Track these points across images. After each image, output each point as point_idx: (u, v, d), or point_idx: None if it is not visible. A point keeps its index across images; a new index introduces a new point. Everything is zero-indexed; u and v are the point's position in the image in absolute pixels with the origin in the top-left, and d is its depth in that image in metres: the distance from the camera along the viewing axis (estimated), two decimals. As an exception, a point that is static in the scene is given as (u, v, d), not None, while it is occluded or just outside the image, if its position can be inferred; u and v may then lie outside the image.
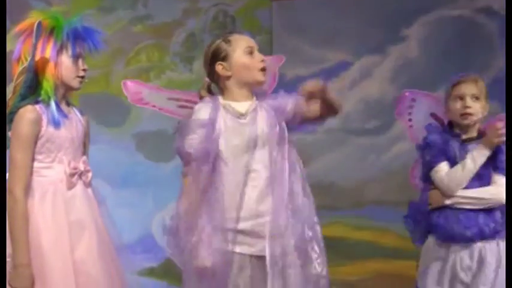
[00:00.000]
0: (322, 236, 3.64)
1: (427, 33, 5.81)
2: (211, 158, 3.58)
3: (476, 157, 3.84)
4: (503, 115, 3.89)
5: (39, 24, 3.36)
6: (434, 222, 3.89)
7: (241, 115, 3.62)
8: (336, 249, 5.48)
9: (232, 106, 3.63)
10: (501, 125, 3.83)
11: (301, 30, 5.84)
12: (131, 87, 4.14)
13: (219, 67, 3.64)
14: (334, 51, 5.80)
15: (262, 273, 3.55)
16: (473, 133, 3.93)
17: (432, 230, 3.91)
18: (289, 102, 3.68)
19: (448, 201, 3.85)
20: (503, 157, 3.86)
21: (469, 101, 3.87)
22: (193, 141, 3.59)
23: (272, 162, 3.64)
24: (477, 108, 3.87)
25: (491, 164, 3.86)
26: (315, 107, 3.66)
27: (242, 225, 3.55)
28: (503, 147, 3.84)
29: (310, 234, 3.62)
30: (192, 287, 3.62)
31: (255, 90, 3.78)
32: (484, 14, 5.74)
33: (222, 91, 3.70)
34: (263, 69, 3.66)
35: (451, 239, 3.82)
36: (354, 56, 5.88)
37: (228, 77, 3.67)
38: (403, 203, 5.35)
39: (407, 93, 4.32)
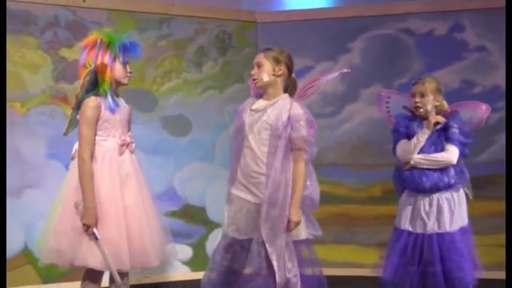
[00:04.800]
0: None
1: (366, 46, 5.75)
2: (233, 135, 3.75)
3: (420, 136, 3.87)
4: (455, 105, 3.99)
5: (101, 40, 3.46)
6: (405, 179, 3.95)
7: (252, 110, 3.68)
8: (302, 197, 5.64)
9: (254, 102, 3.71)
10: (440, 117, 3.86)
11: (277, 44, 4.93)
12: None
13: None
14: (301, 59, 5.65)
15: (253, 213, 3.63)
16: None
17: (404, 185, 3.98)
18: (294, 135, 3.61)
19: (412, 162, 3.88)
20: (453, 130, 3.86)
21: (417, 98, 3.92)
22: None
23: (268, 146, 3.63)
24: (424, 102, 3.90)
25: (444, 135, 3.89)
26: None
27: (239, 177, 3.68)
28: (453, 123, 3.86)
29: (276, 194, 3.62)
30: None
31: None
32: (404, 32, 5.68)
33: (285, 91, 3.76)
34: (254, 80, 3.69)
35: (415, 190, 3.90)
36: (315, 62, 5.79)
37: None
38: (350, 164, 5.78)
39: (382, 93, 4.27)
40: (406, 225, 3.93)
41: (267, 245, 3.52)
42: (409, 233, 3.90)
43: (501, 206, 5.14)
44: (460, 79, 5.56)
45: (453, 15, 5.59)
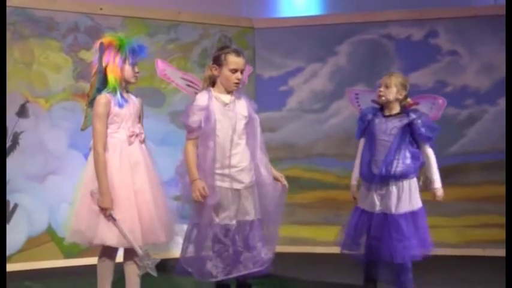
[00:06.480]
0: (285, 175, 3.79)
1: (351, 49, 5.82)
2: (208, 132, 3.58)
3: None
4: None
5: (101, 44, 3.48)
6: (361, 172, 4.04)
7: (225, 104, 3.64)
8: (294, 184, 5.38)
9: (221, 97, 3.65)
10: None
11: (273, 47, 5.88)
12: (160, 65, 4.11)
13: (212, 67, 3.68)
14: (294, 60, 5.86)
15: (234, 197, 3.66)
16: (397, 110, 3.96)
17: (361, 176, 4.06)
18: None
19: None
20: (420, 132, 3.84)
21: (381, 88, 3.94)
22: (196, 119, 3.60)
23: (245, 134, 3.67)
24: (387, 93, 3.91)
25: (412, 136, 3.87)
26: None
27: (225, 171, 3.64)
28: (417, 126, 3.84)
29: (266, 173, 3.70)
30: (195, 208, 3.70)
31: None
32: (385, 38, 5.78)
33: (214, 84, 3.71)
34: (236, 84, 3.65)
35: (369, 180, 3.96)
36: (306, 64, 5.89)
37: (217, 77, 3.67)
38: (337, 155, 5.82)
39: (349, 91, 4.31)
40: (362, 204, 4.01)
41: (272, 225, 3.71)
42: (363, 211, 3.98)
43: (468, 191, 5.54)
44: (434, 79, 5.71)
45: (428, 23, 5.75)
